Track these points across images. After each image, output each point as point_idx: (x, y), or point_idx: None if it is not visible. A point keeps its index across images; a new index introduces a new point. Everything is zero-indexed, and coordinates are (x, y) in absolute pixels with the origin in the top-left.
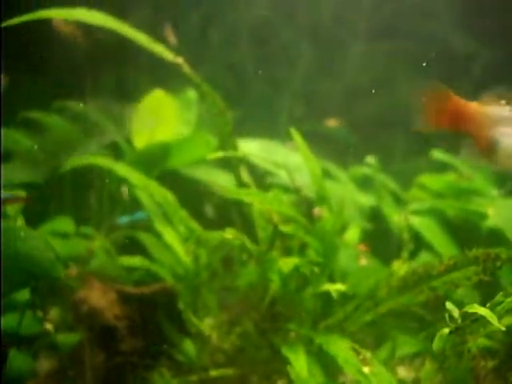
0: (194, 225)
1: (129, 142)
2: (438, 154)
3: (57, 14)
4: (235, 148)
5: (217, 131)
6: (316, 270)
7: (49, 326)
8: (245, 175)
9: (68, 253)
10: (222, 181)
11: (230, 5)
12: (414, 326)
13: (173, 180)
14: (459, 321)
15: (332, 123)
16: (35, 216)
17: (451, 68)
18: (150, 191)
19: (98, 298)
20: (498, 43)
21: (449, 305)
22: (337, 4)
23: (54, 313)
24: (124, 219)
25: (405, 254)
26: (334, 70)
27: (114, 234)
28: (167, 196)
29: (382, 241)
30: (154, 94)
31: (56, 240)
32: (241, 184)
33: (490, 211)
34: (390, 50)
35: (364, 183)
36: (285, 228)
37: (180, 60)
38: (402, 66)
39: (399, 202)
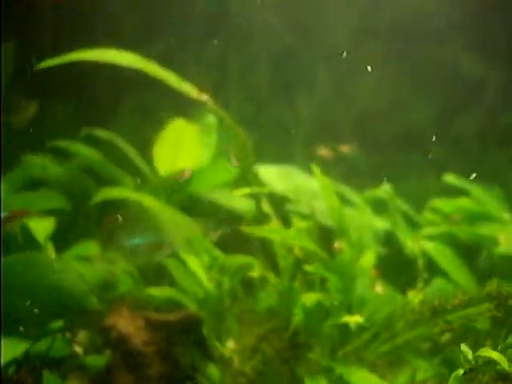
0: (217, 253)
1: (152, 167)
2: (450, 178)
3: (89, 56)
4: (256, 177)
5: (238, 158)
6: (336, 302)
7: (78, 349)
8: (266, 206)
9: (94, 277)
10: (242, 205)
11: (248, 32)
12: (427, 347)
13: (195, 203)
14: (473, 362)
15: (346, 149)
16: (63, 241)
17: (462, 91)
18: (175, 223)
19: (126, 324)
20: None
21: (463, 347)
22: (351, 30)
23: (82, 336)
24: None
25: (419, 284)
26: (348, 93)
27: (138, 258)
28: (192, 227)
29: (396, 266)
30: (175, 123)
31: (82, 265)
32: (262, 214)
33: (501, 238)
34: (403, 74)
35: (379, 206)
36: (307, 267)
37: (205, 97)
38: (414, 89)
39: (413, 225)
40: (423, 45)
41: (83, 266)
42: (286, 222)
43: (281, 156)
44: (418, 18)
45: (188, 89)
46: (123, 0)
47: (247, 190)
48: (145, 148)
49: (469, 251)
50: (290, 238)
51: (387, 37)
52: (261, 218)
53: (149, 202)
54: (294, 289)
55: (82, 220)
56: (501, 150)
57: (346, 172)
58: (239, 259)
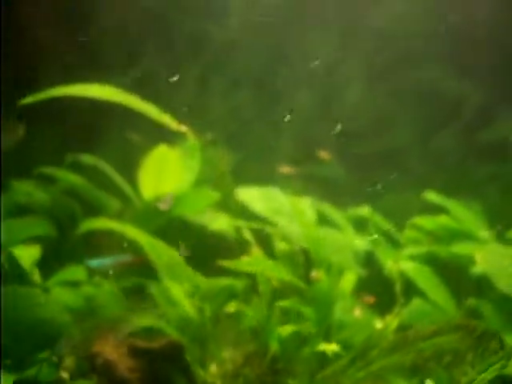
0: (200, 279)
1: (137, 191)
2: (430, 195)
3: (71, 91)
4: (236, 202)
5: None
6: (313, 331)
7: (64, 375)
8: (246, 233)
9: (79, 303)
10: (224, 226)
11: (230, 51)
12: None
13: (178, 225)
14: None
15: (324, 156)
16: (50, 267)
17: (443, 109)
18: (158, 252)
19: (112, 351)
20: (490, 83)
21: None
22: (335, 48)
23: (69, 361)
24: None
25: (397, 308)
26: (332, 112)
27: (123, 281)
28: (174, 256)
29: (376, 288)
30: (158, 149)
31: (68, 290)
32: (242, 241)
33: (478, 257)
34: (385, 93)
35: (359, 224)
36: (282, 303)
37: (184, 128)
38: (395, 107)
39: (394, 243)
40: (403, 64)
41: (69, 292)
42: (267, 245)
43: (263, 176)
44: (399, 39)
45: (168, 120)
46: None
47: (227, 220)
48: (130, 172)
49: (448, 270)
50: (268, 270)
51: (368, 56)
52: (241, 245)
53: (131, 231)
54: (270, 318)
55: (69, 245)
56: (479, 167)
57: (328, 190)
58: (222, 282)
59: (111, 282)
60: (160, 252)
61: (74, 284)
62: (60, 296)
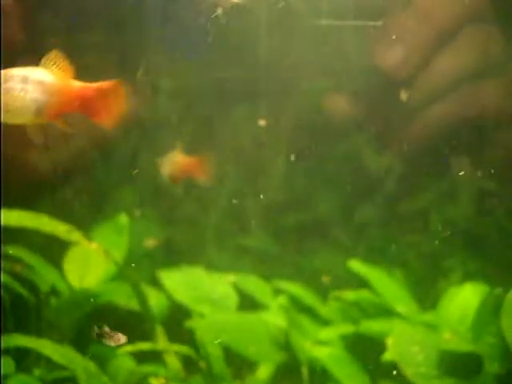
0: None
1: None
2: (354, 264)
3: None
4: None
5: None
6: None
7: None
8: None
9: None
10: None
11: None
12: None
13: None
14: None
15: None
16: None
17: (366, 183)
18: (73, 365)
19: None
20: (409, 153)
21: None
22: (257, 129)
23: None
24: None
25: None
26: (257, 187)
27: None
28: (91, 367)
29: (294, 374)
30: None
31: None
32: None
33: (389, 343)
34: (308, 169)
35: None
36: None
37: (94, 245)
38: (319, 180)
39: (317, 318)
40: (326, 139)
41: None
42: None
43: (192, 250)
44: (320, 113)
45: (78, 237)
46: None
47: None
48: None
49: (366, 350)
50: None
51: (291, 131)
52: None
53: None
54: None
55: None
56: (400, 236)
57: (257, 260)
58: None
59: None
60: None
61: None
62: None
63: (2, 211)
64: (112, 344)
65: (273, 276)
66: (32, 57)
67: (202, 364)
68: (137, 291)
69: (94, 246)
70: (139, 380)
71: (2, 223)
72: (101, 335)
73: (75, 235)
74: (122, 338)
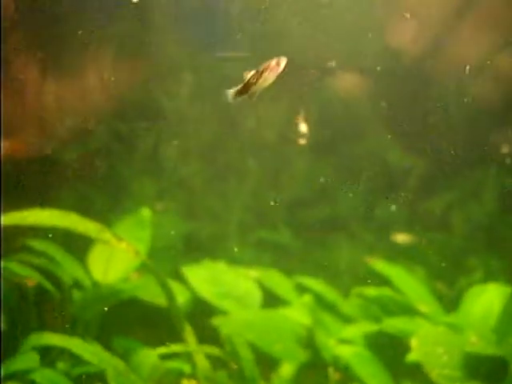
0: None
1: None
2: (378, 265)
3: None
4: None
5: None
6: None
7: None
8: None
9: None
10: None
11: (181, 126)
12: None
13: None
14: None
15: None
16: None
17: (389, 181)
18: (103, 364)
19: None
20: (430, 153)
21: None
22: (281, 125)
23: None
24: None
25: None
26: (280, 182)
27: None
28: (120, 365)
29: (318, 372)
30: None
31: None
32: None
33: (414, 344)
34: (331, 165)
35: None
36: None
37: (124, 244)
38: (341, 179)
39: (338, 315)
40: (350, 135)
41: None
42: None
43: (214, 244)
44: (344, 110)
45: (108, 236)
46: None
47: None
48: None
49: (387, 348)
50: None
51: (316, 128)
52: None
53: (77, 346)
54: None
55: None
56: (421, 234)
57: (278, 255)
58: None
59: None
60: (105, 362)
61: None
62: None
63: (32, 210)
64: None
65: (294, 270)
66: None
67: (232, 365)
68: (165, 289)
69: (123, 245)
70: (163, 375)
71: (8, 223)
72: None
73: (106, 235)
74: None
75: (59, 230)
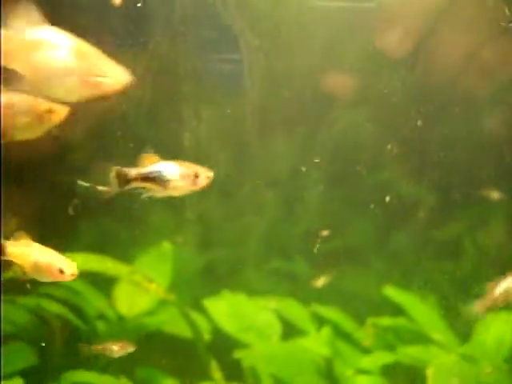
0: None
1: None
2: (389, 291)
3: None
4: None
5: None
6: None
7: None
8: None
9: None
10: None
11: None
12: None
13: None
14: None
15: None
16: None
17: (401, 213)
18: None
19: None
20: (441, 187)
21: None
22: (294, 157)
23: None
24: None
25: None
26: (293, 213)
27: None
28: None
29: None
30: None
31: None
32: None
33: (429, 372)
34: (341, 197)
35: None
36: None
37: (154, 286)
38: (354, 208)
39: (354, 344)
40: (362, 168)
41: None
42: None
43: (233, 274)
44: (356, 144)
45: (140, 278)
46: None
47: None
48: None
49: (403, 377)
50: None
51: (327, 161)
52: None
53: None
54: None
55: None
56: (434, 263)
57: (294, 284)
58: None
59: None
60: None
61: None
62: None
63: (68, 255)
64: None
65: (309, 299)
66: None
67: None
68: (189, 323)
69: (153, 286)
70: None
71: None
72: None
73: (137, 277)
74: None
75: None
